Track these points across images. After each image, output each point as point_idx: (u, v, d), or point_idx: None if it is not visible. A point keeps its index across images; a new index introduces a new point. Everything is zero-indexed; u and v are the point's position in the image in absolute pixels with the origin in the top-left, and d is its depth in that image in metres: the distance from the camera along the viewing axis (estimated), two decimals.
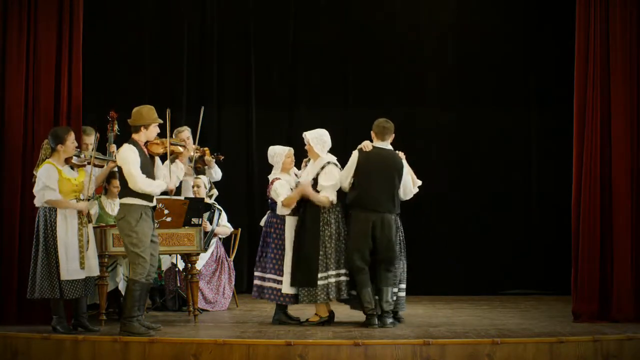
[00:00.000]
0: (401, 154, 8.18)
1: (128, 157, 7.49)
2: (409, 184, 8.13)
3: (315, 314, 8.24)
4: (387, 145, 8.10)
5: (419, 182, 8.35)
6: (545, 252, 10.85)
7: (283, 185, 8.15)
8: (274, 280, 8.16)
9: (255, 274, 8.34)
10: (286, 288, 8.10)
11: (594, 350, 7.02)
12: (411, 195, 8.22)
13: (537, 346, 6.99)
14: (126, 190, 7.53)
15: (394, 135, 8.17)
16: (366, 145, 8.04)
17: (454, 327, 7.84)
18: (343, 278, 8.04)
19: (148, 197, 7.57)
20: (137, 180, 7.45)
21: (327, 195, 7.97)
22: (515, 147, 10.99)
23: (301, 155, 8.61)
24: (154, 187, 7.58)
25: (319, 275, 7.95)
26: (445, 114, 11.05)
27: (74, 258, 7.60)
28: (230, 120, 11.28)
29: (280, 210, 8.10)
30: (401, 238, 8.22)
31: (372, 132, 8.14)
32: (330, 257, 8.02)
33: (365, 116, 11.10)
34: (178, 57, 11.18)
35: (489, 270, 10.83)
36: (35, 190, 7.66)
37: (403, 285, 8.21)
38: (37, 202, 7.67)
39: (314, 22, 11.24)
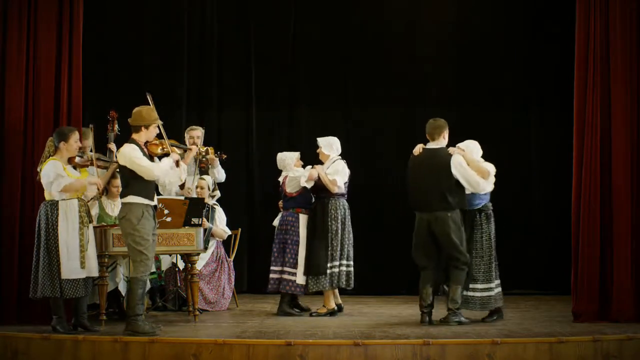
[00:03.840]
0: (452, 149, 8.15)
1: (131, 153, 7.50)
2: (472, 177, 8.05)
3: (323, 305, 8.76)
4: (438, 144, 8.18)
5: (491, 172, 8.20)
6: (545, 252, 10.85)
7: (299, 170, 8.90)
8: (291, 273, 8.76)
9: (272, 268, 8.85)
10: (300, 279, 8.72)
11: (594, 350, 7.02)
12: (483, 188, 8.11)
13: (537, 346, 6.99)
14: (127, 190, 7.53)
15: (445, 132, 8.22)
16: (416, 149, 8.25)
17: (454, 327, 7.83)
18: (351, 269, 8.74)
19: (149, 195, 7.58)
20: (151, 169, 7.48)
21: (334, 179, 8.66)
22: (515, 147, 10.99)
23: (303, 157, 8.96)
24: (165, 166, 7.63)
25: (327, 265, 8.60)
26: (445, 114, 11.01)
27: (75, 257, 7.60)
28: (230, 120, 11.28)
29: (305, 183, 8.76)
30: (478, 237, 8.17)
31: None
32: (336, 249, 8.66)
33: (365, 116, 11.19)
34: (178, 57, 11.19)
35: None
36: (46, 183, 7.64)
37: (494, 282, 8.17)
38: (54, 193, 7.64)
39: (314, 22, 11.24)
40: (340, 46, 11.21)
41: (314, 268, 8.65)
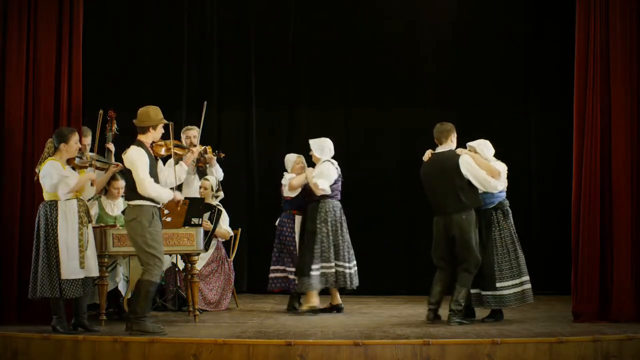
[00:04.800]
0: (460, 150, 8.19)
1: (138, 160, 7.44)
2: (481, 176, 8.06)
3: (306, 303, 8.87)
4: (446, 147, 8.21)
5: (502, 171, 8.17)
6: (545, 252, 10.84)
7: (287, 176, 9.06)
8: (293, 272, 8.95)
9: (273, 267, 9.08)
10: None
11: (594, 350, 7.01)
12: (494, 186, 8.10)
13: (537, 346, 6.99)
14: (136, 193, 7.48)
15: (453, 135, 8.23)
16: (426, 155, 8.28)
17: (454, 327, 7.83)
18: (348, 270, 8.74)
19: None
20: (147, 185, 7.41)
21: (316, 182, 8.69)
22: (515, 147, 10.98)
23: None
24: (162, 193, 7.56)
25: (313, 266, 8.65)
26: (445, 114, 11.01)
27: (74, 257, 7.59)
28: (230, 120, 11.28)
29: (286, 193, 9.00)
30: (497, 235, 8.16)
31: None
32: (327, 251, 8.71)
33: (365, 116, 11.19)
34: (178, 57, 11.18)
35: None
36: (50, 185, 7.58)
37: (524, 277, 8.19)
38: (62, 194, 7.59)
39: (314, 22, 11.24)
40: (340, 46, 11.21)
41: (297, 270, 8.80)
